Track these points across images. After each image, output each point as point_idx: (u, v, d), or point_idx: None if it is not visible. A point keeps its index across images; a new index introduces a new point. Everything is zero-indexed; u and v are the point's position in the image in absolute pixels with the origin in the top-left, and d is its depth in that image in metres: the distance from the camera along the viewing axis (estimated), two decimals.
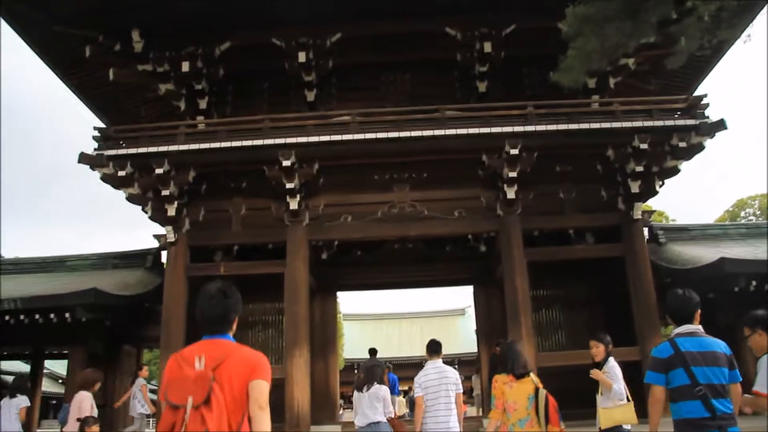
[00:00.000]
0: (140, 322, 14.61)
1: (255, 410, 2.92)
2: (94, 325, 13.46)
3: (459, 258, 15.17)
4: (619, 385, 6.17)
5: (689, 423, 3.72)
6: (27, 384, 10.18)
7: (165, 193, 12.43)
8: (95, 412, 7.87)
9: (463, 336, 40.96)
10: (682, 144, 11.83)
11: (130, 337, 15.50)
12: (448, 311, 48.87)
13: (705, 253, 13.72)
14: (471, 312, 46.89)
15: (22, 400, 9.59)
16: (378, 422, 7.13)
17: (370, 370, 7.75)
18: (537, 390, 5.69)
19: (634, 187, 12.42)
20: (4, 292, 13.35)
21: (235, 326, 3.27)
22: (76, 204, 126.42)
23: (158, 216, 12.79)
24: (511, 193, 12.31)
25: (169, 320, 12.43)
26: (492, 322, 14.70)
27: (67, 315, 12.38)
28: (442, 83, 14.14)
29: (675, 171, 12.50)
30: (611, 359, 6.47)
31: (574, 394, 9.75)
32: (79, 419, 7.47)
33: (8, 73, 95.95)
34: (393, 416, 7.47)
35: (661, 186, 12.68)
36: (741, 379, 3.92)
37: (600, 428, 6.27)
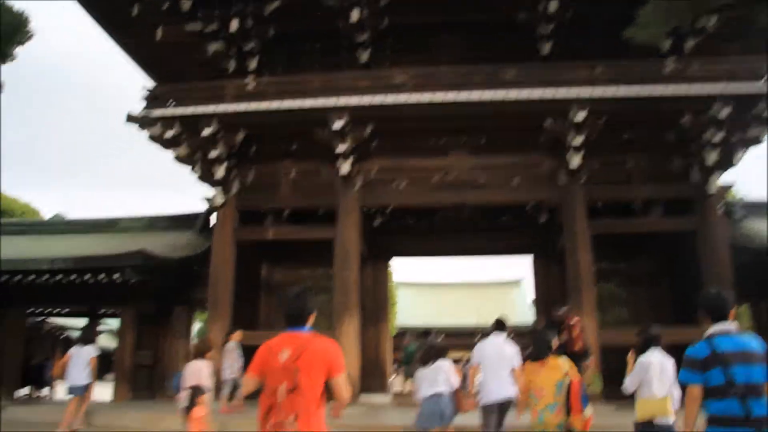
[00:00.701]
0: (191, 284, 14.53)
1: (339, 401, 3.76)
2: (144, 286, 13.43)
3: (517, 227, 14.52)
4: (631, 380, 5.85)
5: (721, 420, 3.67)
6: (95, 335, 10.36)
7: (213, 154, 12.13)
8: (210, 382, 7.72)
9: (518, 307, 39.99)
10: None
11: (181, 299, 15.47)
12: (504, 282, 47.84)
13: None
14: (526, 283, 46.76)
15: (92, 350, 9.96)
16: (441, 394, 7.18)
17: (430, 347, 7.96)
18: (565, 376, 5.62)
19: (711, 158, 11.48)
20: (56, 251, 13.41)
21: (311, 321, 3.87)
22: (145, 168, 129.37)
23: (206, 178, 12.52)
24: (574, 162, 11.53)
25: (217, 282, 12.23)
26: (550, 294, 14.05)
27: (116, 276, 12.31)
28: (502, 45, 13.15)
29: (757, 141, 11.50)
30: (646, 355, 5.90)
31: None
32: (195, 387, 7.39)
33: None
34: (456, 389, 7.49)
35: (740, 157, 11.69)
36: None
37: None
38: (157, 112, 11.95)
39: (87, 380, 9.88)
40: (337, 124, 11.29)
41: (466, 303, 44.62)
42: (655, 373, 5.71)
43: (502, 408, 7.09)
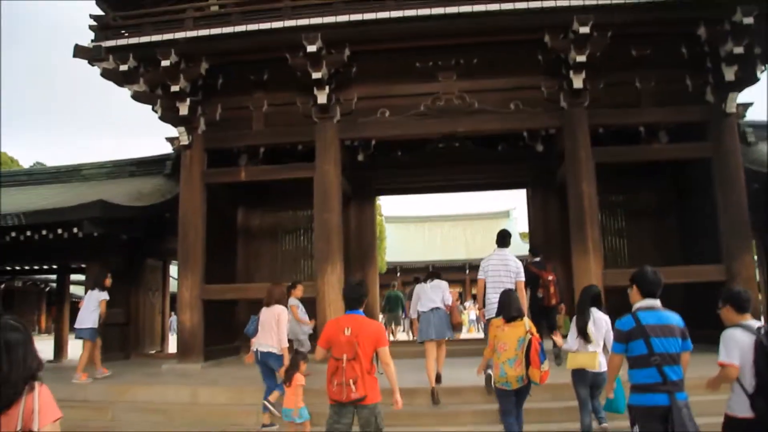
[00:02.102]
0: (162, 233, 13.39)
1: (384, 366, 5.02)
2: (110, 238, 12.30)
3: (512, 158, 13.38)
4: (571, 339, 6.46)
5: (644, 387, 4.13)
6: (103, 281, 10.13)
7: (175, 88, 10.78)
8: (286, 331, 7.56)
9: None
10: None
11: (153, 251, 14.40)
12: (493, 213, 47.58)
13: None
14: (516, 214, 46.28)
15: (102, 294, 9.93)
16: (438, 308, 8.12)
17: (429, 273, 8.83)
18: (527, 333, 6.00)
19: (729, 74, 10.26)
20: (13, 205, 12.19)
21: (364, 304, 5.12)
22: (118, 111, 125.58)
23: (169, 116, 11.20)
24: (577, 82, 10.29)
25: (187, 232, 11.12)
26: (548, 229, 13.11)
27: (75, 230, 11.13)
28: None
29: None
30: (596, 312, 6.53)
31: None
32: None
33: None
34: (451, 305, 8.37)
35: (763, 71, 10.50)
36: (691, 348, 4.25)
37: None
38: (109, 43, 10.53)
39: (93, 324, 9.81)
40: (312, 47, 9.95)
41: (455, 236, 44.28)
42: (590, 328, 6.31)
43: None
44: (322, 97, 10.64)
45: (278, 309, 7.54)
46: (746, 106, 10.85)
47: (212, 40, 10.34)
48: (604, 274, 9.97)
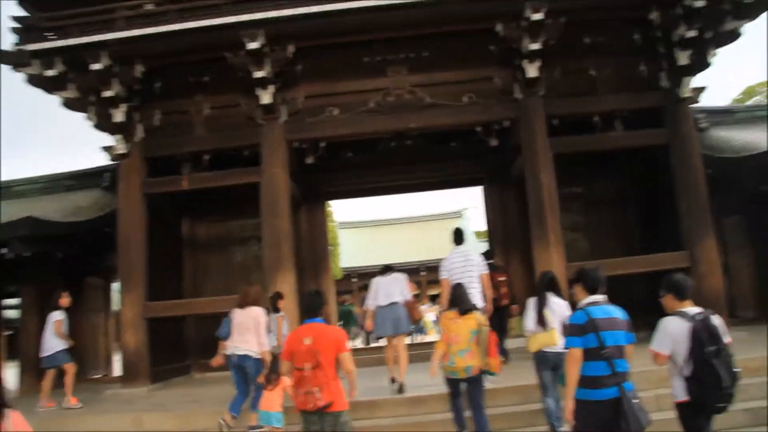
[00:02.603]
0: (103, 250, 12.58)
1: (347, 373, 5.04)
2: (45, 258, 11.47)
3: (467, 155, 13.00)
4: (528, 319, 6.57)
5: (595, 380, 4.19)
6: (58, 300, 9.60)
7: (108, 94, 10.05)
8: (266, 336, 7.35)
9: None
10: None
11: (94, 269, 13.57)
12: (445, 214, 47.36)
13: (756, 139, 11.64)
14: (469, 214, 46.24)
15: (56, 314, 9.39)
16: (396, 302, 8.12)
17: (386, 266, 8.76)
18: (480, 327, 6.20)
19: (683, 58, 10.07)
20: None
21: (323, 312, 5.19)
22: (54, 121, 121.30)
23: (104, 124, 10.46)
24: (532, 71, 9.94)
25: (127, 246, 10.38)
26: (507, 225, 12.77)
27: (4, 250, 10.29)
28: None
29: (735, 36, 10.10)
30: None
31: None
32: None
33: None
34: (409, 299, 8.39)
35: (714, 56, 10.32)
36: (635, 341, 4.37)
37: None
38: (33, 47, 9.76)
39: (56, 348, 9.24)
40: (253, 45, 9.38)
41: (410, 239, 43.96)
42: (546, 312, 6.40)
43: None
44: (266, 97, 10.05)
45: (256, 311, 7.30)
46: (699, 90, 10.66)
47: (146, 41, 9.66)
48: (567, 267, 9.63)
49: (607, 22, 10.37)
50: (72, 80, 10.10)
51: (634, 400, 4.14)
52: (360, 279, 36.64)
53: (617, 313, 4.38)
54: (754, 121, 13.07)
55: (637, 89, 10.57)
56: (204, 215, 13.18)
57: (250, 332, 7.13)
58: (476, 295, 7.72)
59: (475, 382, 6.22)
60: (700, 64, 10.17)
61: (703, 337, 4.11)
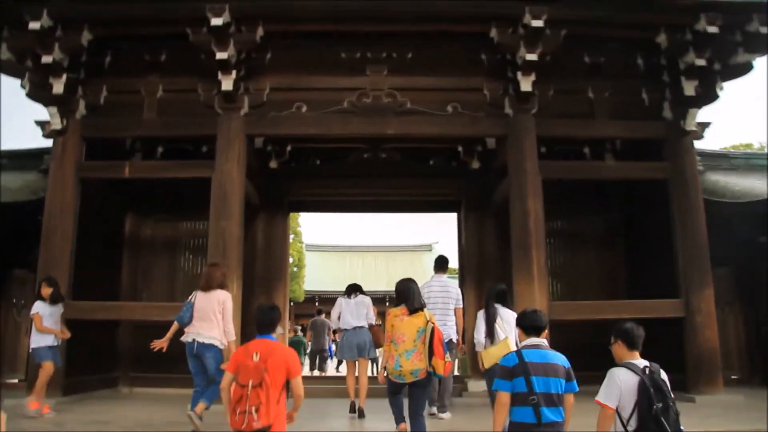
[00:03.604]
0: (33, 239, 11.18)
1: (295, 399, 4.59)
2: None
3: (445, 175, 11.95)
4: (477, 333, 6.65)
5: (519, 426, 4.05)
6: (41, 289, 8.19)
7: (47, 60, 8.81)
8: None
9: (429, 272, 38.43)
10: (764, 29, 8.59)
11: (20, 260, 12.11)
12: (415, 246, 46.98)
13: (756, 185, 10.79)
14: (438, 248, 45.41)
15: (37, 306, 8.01)
16: (362, 327, 7.97)
17: (352, 286, 8.43)
18: (428, 324, 5.72)
19: (689, 88, 9.19)
20: None
21: (276, 329, 4.80)
22: None
23: (39, 93, 9.19)
24: (526, 85, 8.97)
25: (51, 235, 9.08)
26: (483, 255, 11.63)
27: None
28: None
29: (746, 69, 9.32)
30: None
31: (589, 350, 7.33)
32: None
33: None
34: (374, 323, 8.20)
35: (721, 90, 9.46)
36: (576, 390, 4.16)
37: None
38: None
39: (48, 342, 7.93)
40: (217, 20, 8.26)
41: (376, 268, 43.28)
42: (498, 323, 6.42)
43: (448, 347, 7.08)
44: (227, 83, 8.90)
45: (222, 295, 6.77)
46: (704, 126, 9.81)
47: (97, 3, 8.55)
48: (550, 305, 8.57)
49: (610, 41, 9.48)
50: (5, 39, 8.88)
51: None
52: (322, 303, 35.60)
53: (557, 358, 4.20)
54: (751, 168, 12.22)
55: (638, 117, 9.66)
56: (150, 213, 11.85)
57: (214, 319, 6.60)
58: (451, 328, 7.75)
59: (422, 386, 5.76)
60: (707, 95, 9.31)
61: (651, 393, 3.87)
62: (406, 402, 5.95)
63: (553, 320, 8.40)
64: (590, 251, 11.75)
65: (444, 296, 7.86)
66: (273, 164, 11.34)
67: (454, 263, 12.00)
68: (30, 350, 8.04)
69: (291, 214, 37.95)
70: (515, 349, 5.57)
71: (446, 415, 7.59)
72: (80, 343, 9.28)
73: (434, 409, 7.56)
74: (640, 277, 10.90)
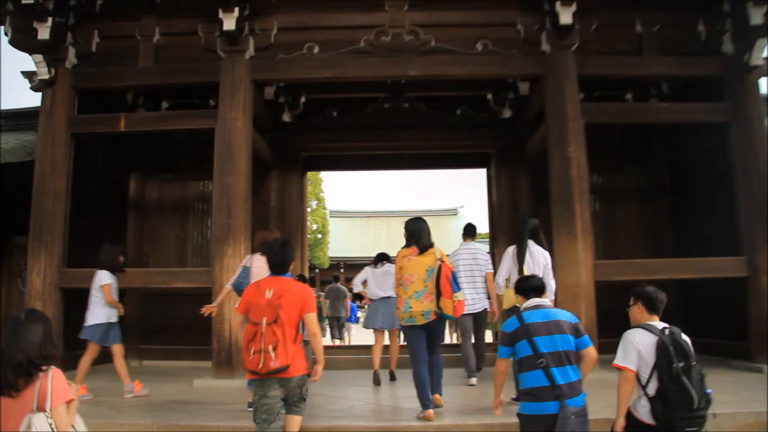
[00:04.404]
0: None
1: (310, 336, 4.30)
2: None
3: (473, 126, 10.88)
4: (500, 272, 6.32)
5: (530, 392, 3.76)
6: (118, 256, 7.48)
7: (29, 0, 7.93)
8: None
9: (455, 237, 37.86)
10: None
11: (18, 224, 11.39)
12: (441, 210, 46.01)
13: None
14: (464, 212, 44.47)
15: (103, 276, 7.19)
16: (389, 297, 7.52)
17: (380, 255, 8.11)
18: (436, 262, 5.34)
19: (756, 16, 7.91)
20: None
21: (291, 268, 4.54)
22: None
23: (22, 40, 8.29)
24: (565, 17, 7.83)
25: (42, 196, 8.33)
26: (516, 214, 10.60)
27: None
28: None
29: None
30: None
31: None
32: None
33: None
34: None
35: None
36: (590, 344, 3.87)
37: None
38: None
39: (101, 319, 6.98)
40: None
41: (401, 233, 42.44)
42: (528, 262, 5.97)
43: (478, 318, 7.44)
44: (229, 22, 7.92)
45: (261, 260, 6.16)
46: None
47: None
48: (596, 265, 7.58)
49: None
50: None
51: (573, 418, 3.59)
52: (348, 269, 35.06)
53: (560, 315, 3.97)
54: None
55: (692, 53, 8.49)
56: (157, 173, 11.02)
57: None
58: (477, 295, 7.37)
59: (435, 329, 5.52)
60: None
61: (670, 351, 3.61)
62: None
63: (600, 282, 7.53)
64: (632, 208, 10.66)
65: (472, 263, 7.45)
66: (286, 117, 10.41)
67: (482, 228, 11.04)
68: (89, 325, 7.01)
69: (314, 179, 37.41)
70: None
71: (473, 380, 7.27)
72: (83, 313, 8.56)
73: (473, 380, 7.25)
74: (690, 236, 9.86)
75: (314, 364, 4.30)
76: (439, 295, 5.23)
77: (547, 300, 4.14)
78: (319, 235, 38.50)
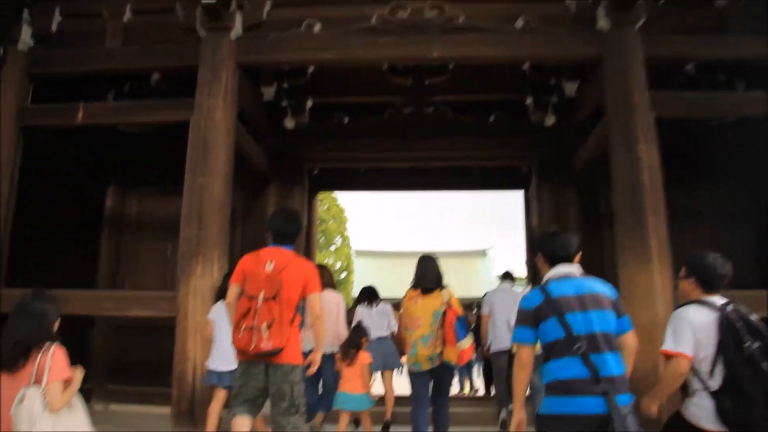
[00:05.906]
0: None
1: (313, 318, 3.96)
2: None
3: (509, 133, 9.16)
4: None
5: (563, 385, 2.78)
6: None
7: None
8: None
9: (482, 278, 36.83)
10: None
11: None
12: (469, 251, 44.18)
13: None
14: (493, 253, 42.76)
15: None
16: (385, 337, 7.06)
17: (370, 292, 7.42)
18: (442, 306, 5.10)
19: None
20: None
21: (297, 240, 4.12)
22: None
23: None
24: None
25: None
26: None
27: None
28: None
29: None
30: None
31: None
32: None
33: None
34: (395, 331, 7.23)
35: None
36: (630, 328, 2.99)
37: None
38: None
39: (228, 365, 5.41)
40: None
41: None
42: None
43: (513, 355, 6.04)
44: None
45: (336, 297, 6.55)
46: None
47: None
48: (675, 296, 5.78)
49: None
50: None
51: (631, 417, 2.63)
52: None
53: (596, 286, 2.98)
54: None
55: None
56: (135, 185, 9.48)
57: (329, 321, 5.85)
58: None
59: (442, 375, 5.19)
60: None
61: (738, 329, 2.83)
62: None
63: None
64: (704, 229, 8.76)
65: (509, 305, 6.84)
66: (289, 123, 8.91)
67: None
68: (212, 370, 5.52)
69: (338, 216, 36.05)
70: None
71: (504, 414, 6.93)
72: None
73: (504, 413, 6.84)
74: None
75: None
76: (444, 343, 5.03)
77: (575, 267, 3.15)
78: (343, 274, 37.36)
